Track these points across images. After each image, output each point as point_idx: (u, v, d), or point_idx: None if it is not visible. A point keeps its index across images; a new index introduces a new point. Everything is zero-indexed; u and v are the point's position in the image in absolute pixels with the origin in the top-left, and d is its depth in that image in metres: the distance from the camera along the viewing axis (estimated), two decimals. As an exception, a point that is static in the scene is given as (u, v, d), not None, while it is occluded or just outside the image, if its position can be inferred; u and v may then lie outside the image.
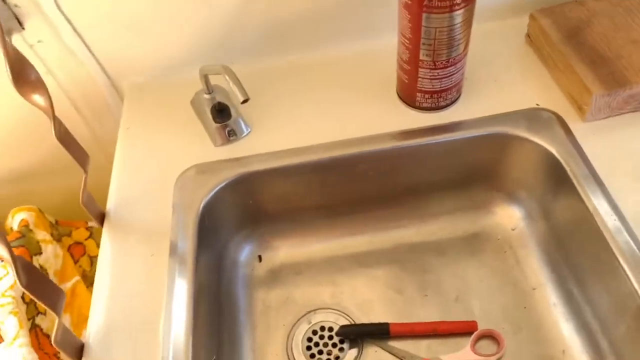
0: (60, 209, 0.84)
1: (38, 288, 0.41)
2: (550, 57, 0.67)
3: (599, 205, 0.55)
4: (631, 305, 0.50)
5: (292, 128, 0.67)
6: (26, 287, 0.40)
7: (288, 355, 0.62)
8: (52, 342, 0.44)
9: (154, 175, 0.65)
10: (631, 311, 0.50)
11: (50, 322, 0.68)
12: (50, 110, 0.48)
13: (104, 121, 0.81)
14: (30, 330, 0.63)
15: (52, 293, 0.43)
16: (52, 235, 0.76)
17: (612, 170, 0.58)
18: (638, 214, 0.55)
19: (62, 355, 0.65)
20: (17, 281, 0.39)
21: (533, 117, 0.63)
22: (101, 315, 0.54)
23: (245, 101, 0.55)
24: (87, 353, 0.51)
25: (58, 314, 0.44)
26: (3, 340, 0.61)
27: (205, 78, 0.66)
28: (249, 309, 0.66)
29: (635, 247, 0.52)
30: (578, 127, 0.62)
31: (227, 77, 0.56)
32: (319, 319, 0.65)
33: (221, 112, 0.67)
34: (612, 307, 0.54)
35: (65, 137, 0.51)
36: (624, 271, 0.50)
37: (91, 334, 0.52)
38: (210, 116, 0.67)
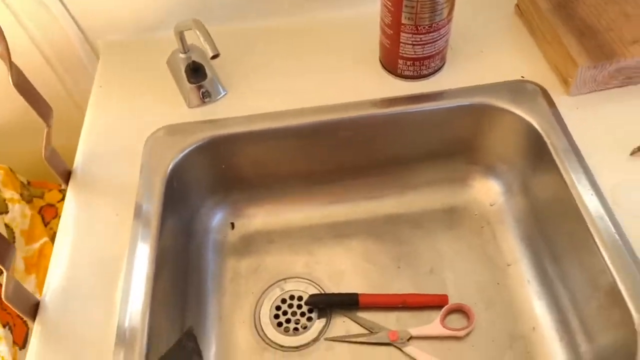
0: (34, 169, 0.82)
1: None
2: (539, 28, 0.65)
3: (577, 180, 0.53)
4: (603, 283, 0.49)
5: (270, 92, 0.65)
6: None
7: (255, 323, 0.61)
8: (3, 297, 0.43)
9: (125, 135, 0.63)
10: (603, 289, 0.49)
11: (15, 282, 0.66)
12: (7, 56, 0.46)
13: (80, 79, 0.78)
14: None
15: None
16: (22, 195, 0.74)
17: (593, 145, 0.56)
18: (616, 190, 0.53)
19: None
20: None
21: (517, 89, 0.61)
22: (59, 274, 0.52)
23: (215, 56, 0.52)
24: (42, 312, 0.49)
25: (6, 267, 0.42)
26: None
27: (181, 36, 0.63)
28: (218, 276, 0.64)
29: (610, 224, 0.50)
30: (562, 101, 0.60)
31: (197, 32, 0.53)
32: (289, 287, 0.64)
33: (196, 72, 0.64)
34: (584, 284, 0.53)
35: (24, 85, 0.49)
36: (598, 248, 0.49)
37: (47, 292, 0.51)
38: (184, 76, 0.65)
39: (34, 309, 0.49)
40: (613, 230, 0.50)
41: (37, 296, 0.50)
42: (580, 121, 0.58)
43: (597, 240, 0.49)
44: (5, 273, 0.43)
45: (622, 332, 0.46)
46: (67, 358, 0.47)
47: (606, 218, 0.51)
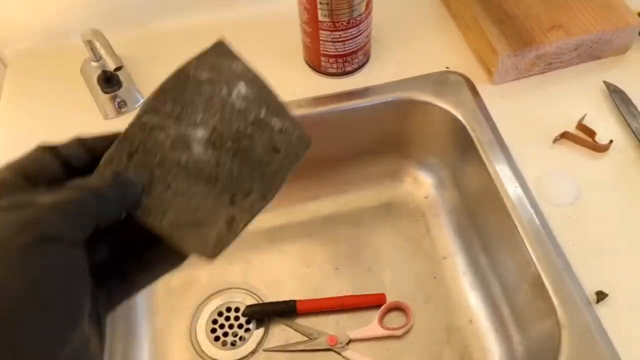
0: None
1: None
2: (462, 17, 0.64)
3: (501, 171, 0.53)
4: (528, 275, 0.49)
5: (191, 97, 0.62)
6: None
7: (191, 339, 0.59)
8: None
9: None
10: (529, 280, 0.49)
11: None
12: None
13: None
14: None
15: None
16: None
17: (517, 134, 0.56)
18: (540, 180, 0.53)
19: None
20: None
21: (441, 80, 0.61)
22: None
23: (118, 69, 0.49)
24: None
25: None
26: None
27: (91, 44, 0.59)
28: (148, 294, 0.62)
29: (534, 215, 0.50)
30: (487, 90, 0.60)
31: (97, 44, 0.50)
32: (225, 299, 0.62)
33: (109, 81, 0.61)
34: (514, 276, 0.53)
35: None
36: (522, 239, 0.49)
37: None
38: (98, 86, 0.61)
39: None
40: (537, 221, 0.50)
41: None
42: (504, 111, 0.58)
43: (520, 231, 0.50)
44: None
45: (548, 324, 0.46)
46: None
47: (530, 209, 0.51)
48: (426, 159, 0.66)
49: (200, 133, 0.30)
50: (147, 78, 0.64)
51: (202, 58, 0.33)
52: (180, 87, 0.31)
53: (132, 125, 0.30)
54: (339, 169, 0.67)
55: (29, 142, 0.59)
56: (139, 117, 0.30)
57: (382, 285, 0.62)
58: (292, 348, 0.58)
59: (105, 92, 0.61)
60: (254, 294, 0.62)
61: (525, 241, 0.49)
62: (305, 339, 0.58)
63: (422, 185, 0.67)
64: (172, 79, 0.31)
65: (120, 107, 0.61)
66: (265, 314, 0.60)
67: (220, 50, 0.33)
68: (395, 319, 0.60)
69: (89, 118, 0.61)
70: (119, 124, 0.61)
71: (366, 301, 0.60)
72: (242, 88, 0.31)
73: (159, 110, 0.30)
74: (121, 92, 0.61)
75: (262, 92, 0.32)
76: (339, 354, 0.57)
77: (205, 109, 0.31)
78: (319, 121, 0.62)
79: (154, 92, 0.31)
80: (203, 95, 0.31)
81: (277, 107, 0.31)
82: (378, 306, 0.60)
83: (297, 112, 0.60)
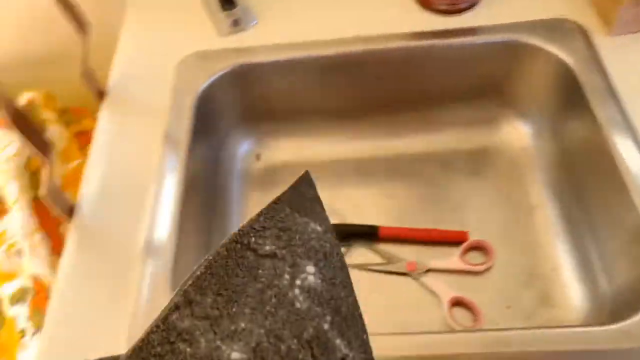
0: (74, 97, 0.84)
1: (27, 131, 0.42)
2: (584, -35, 0.62)
3: (611, 119, 0.52)
4: (630, 223, 0.48)
5: (301, 22, 0.65)
6: (14, 122, 0.40)
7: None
8: (40, 194, 0.45)
9: (156, 58, 0.64)
10: (629, 228, 0.48)
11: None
12: None
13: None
14: (33, 199, 0.65)
15: (40, 140, 0.44)
16: (59, 118, 0.76)
17: (632, 88, 0.54)
18: (651, 132, 0.52)
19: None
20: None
21: (554, 27, 0.60)
22: (94, 183, 0.55)
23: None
24: (78, 214, 0.52)
25: (49, 160, 0.44)
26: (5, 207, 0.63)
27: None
28: (242, 206, 0.66)
29: (642, 163, 0.49)
30: (602, 41, 0.58)
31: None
32: (311, 217, 0.65)
33: (226, 0, 0.64)
34: (610, 225, 0.52)
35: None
36: (627, 190, 0.48)
37: (83, 197, 0.53)
38: (216, 4, 0.65)
39: (71, 210, 0.51)
40: (645, 169, 0.49)
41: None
42: (619, 63, 0.56)
43: (627, 182, 0.48)
44: (47, 167, 0.45)
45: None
46: (100, 258, 0.50)
47: None
48: (527, 108, 0.65)
49: (235, 355, 0.22)
50: (261, 1, 0.67)
51: (276, 207, 0.26)
52: (232, 267, 0.24)
53: (156, 327, 0.22)
54: (434, 107, 0.68)
55: (150, 48, 0.64)
56: (168, 314, 0.23)
57: (466, 226, 0.62)
58: (371, 267, 0.60)
59: (223, 10, 0.65)
60: (339, 214, 0.65)
61: (632, 192, 0.48)
62: (385, 262, 0.60)
63: (519, 134, 0.66)
64: (226, 246, 0.24)
65: (235, 25, 0.65)
66: (348, 234, 0.63)
67: (300, 194, 0.26)
68: (476, 257, 0.60)
69: (204, 33, 0.66)
70: (232, 41, 0.64)
71: (449, 236, 0.61)
72: (310, 274, 0.24)
73: (195, 304, 0.23)
74: (237, 11, 0.65)
75: (335, 284, 0.24)
76: (416, 279, 0.59)
77: (255, 307, 0.23)
78: (420, 55, 0.62)
79: (199, 269, 0.23)
80: (258, 283, 0.23)
81: (347, 316, 0.23)
82: (459, 243, 0.60)
83: (399, 43, 0.61)
